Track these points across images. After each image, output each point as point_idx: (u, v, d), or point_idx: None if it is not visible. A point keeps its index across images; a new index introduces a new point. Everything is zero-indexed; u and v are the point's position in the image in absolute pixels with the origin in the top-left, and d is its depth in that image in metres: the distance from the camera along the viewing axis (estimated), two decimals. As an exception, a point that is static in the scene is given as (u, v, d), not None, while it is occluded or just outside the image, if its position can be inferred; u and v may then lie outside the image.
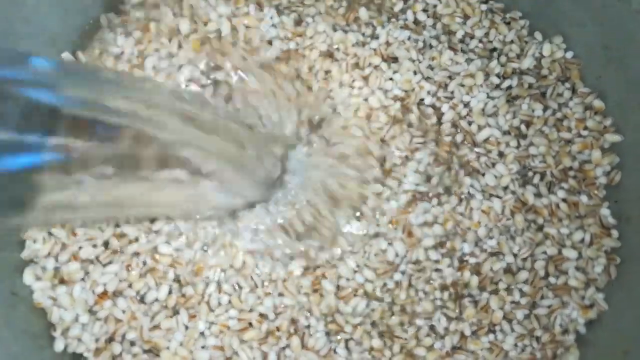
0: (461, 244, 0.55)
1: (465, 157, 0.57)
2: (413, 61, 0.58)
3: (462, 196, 0.56)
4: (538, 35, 0.60)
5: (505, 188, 0.56)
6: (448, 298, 0.54)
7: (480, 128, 0.58)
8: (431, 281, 0.55)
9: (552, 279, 0.55)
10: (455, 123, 0.58)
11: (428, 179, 0.56)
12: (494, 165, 0.57)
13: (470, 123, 0.58)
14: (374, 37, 0.59)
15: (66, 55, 0.58)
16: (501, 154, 0.57)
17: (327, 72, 0.58)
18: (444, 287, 0.55)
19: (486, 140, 0.57)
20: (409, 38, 0.59)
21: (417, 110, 0.58)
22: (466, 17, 0.60)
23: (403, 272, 0.55)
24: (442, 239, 0.56)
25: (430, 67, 0.59)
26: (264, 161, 0.53)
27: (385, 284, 0.55)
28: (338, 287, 0.55)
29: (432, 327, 0.54)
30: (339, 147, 0.57)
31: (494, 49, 0.60)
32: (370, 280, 0.55)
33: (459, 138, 0.57)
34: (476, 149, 0.57)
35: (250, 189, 0.53)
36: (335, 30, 0.59)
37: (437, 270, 0.55)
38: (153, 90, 0.47)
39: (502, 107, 0.58)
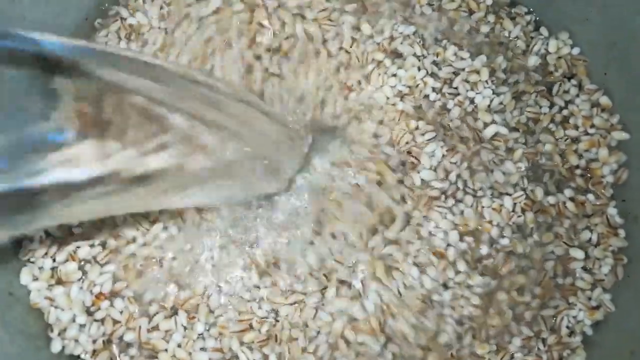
0: (479, 245, 0.54)
1: (475, 154, 0.56)
2: (417, 57, 0.58)
3: (478, 193, 0.55)
4: (544, 31, 0.59)
5: (515, 185, 0.55)
6: (478, 314, 0.53)
7: (486, 125, 0.57)
8: (461, 305, 0.53)
9: (559, 280, 0.54)
10: (463, 119, 0.57)
11: (446, 174, 0.55)
12: (502, 162, 0.56)
13: (476, 120, 0.57)
14: (379, 31, 0.58)
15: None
16: (509, 150, 0.56)
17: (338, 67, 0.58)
18: (475, 306, 0.53)
19: (493, 137, 0.56)
20: (414, 33, 0.58)
21: (425, 105, 0.57)
22: (471, 12, 0.60)
23: (433, 303, 0.53)
24: (464, 245, 0.54)
25: (435, 63, 0.58)
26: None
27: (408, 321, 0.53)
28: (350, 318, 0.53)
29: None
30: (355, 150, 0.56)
31: (500, 44, 0.59)
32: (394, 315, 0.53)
33: (469, 135, 0.57)
34: (483, 146, 0.56)
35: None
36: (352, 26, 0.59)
37: (468, 286, 0.54)
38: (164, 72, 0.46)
39: (509, 103, 0.57)
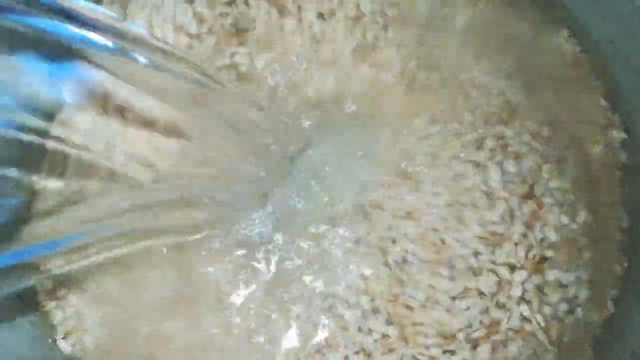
0: None
1: None
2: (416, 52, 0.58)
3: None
4: (547, 28, 0.59)
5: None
6: None
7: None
8: None
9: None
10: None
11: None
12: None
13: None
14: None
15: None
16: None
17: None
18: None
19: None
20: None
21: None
22: (474, 6, 0.60)
23: None
24: None
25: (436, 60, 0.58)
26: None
27: None
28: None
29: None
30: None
31: (505, 39, 0.59)
32: None
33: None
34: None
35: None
36: None
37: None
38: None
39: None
